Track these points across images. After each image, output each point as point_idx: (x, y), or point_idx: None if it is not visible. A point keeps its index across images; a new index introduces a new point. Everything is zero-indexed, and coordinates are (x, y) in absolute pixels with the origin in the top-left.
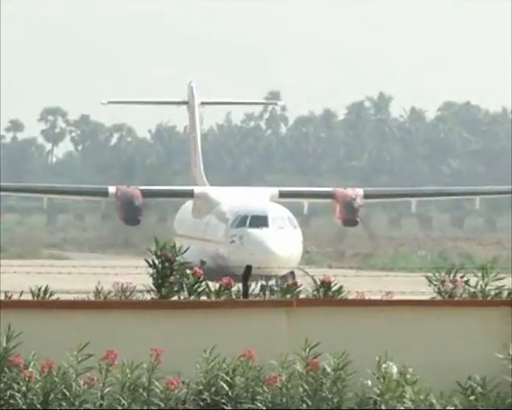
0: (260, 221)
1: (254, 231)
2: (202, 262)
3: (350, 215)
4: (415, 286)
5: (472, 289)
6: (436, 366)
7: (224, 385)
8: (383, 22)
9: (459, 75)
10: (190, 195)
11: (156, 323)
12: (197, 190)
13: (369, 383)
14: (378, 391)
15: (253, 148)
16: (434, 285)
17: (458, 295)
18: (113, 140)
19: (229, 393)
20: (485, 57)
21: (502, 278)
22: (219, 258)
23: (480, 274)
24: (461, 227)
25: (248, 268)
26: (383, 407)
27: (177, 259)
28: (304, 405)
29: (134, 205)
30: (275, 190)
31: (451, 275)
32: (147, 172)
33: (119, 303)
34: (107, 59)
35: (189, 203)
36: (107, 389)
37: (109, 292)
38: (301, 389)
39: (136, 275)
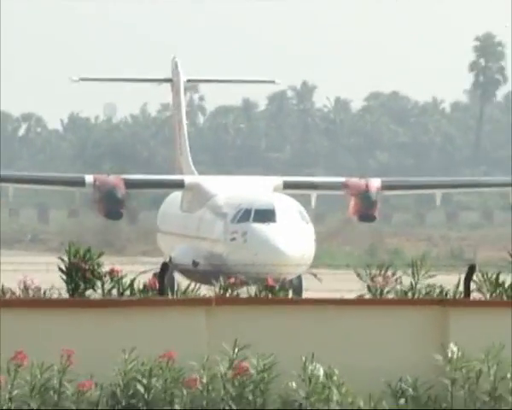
0: (266, 215)
1: (259, 227)
2: (195, 263)
3: (367, 209)
4: (341, 284)
5: (401, 288)
6: (365, 368)
7: (141, 388)
8: (308, 8)
9: (386, 63)
10: (180, 185)
11: (68, 322)
12: (188, 179)
13: (294, 385)
14: (303, 394)
15: (170, 139)
16: (364, 282)
17: (389, 292)
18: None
19: (146, 396)
20: (413, 44)
21: (433, 276)
22: (217, 258)
23: (410, 271)
24: (389, 222)
25: (165, 265)
26: None
27: (94, 265)
28: (225, 408)
29: (116, 197)
30: (278, 180)
31: (382, 271)
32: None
33: (28, 301)
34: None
35: (176, 195)
36: (16, 392)
37: (14, 292)
38: (223, 392)
39: (48, 273)
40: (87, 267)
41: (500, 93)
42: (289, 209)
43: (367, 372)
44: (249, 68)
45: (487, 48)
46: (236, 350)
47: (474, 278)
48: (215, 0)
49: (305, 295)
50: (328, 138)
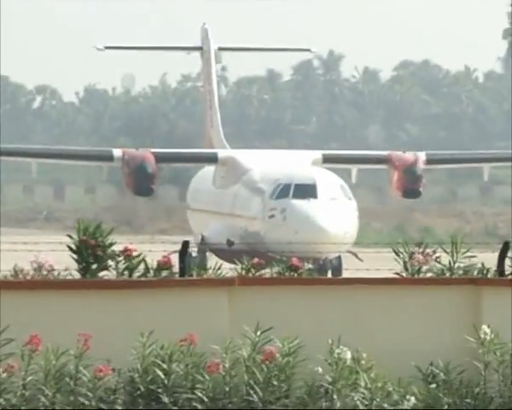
0: (307, 191)
1: (300, 203)
2: (230, 242)
3: (411, 184)
4: (381, 263)
5: (439, 266)
6: (394, 351)
7: (160, 373)
8: None
9: (416, 31)
10: (213, 159)
11: (84, 305)
12: (222, 153)
13: (320, 369)
14: (330, 379)
15: (191, 111)
16: (402, 260)
17: (428, 271)
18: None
19: (166, 381)
20: (444, 10)
21: (473, 256)
22: (254, 236)
23: (448, 250)
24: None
25: (186, 243)
26: (335, 396)
27: (105, 242)
28: (249, 394)
29: (146, 172)
30: (317, 154)
31: (421, 249)
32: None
33: (42, 283)
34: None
35: (208, 171)
36: (30, 378)
37: (27, 272)
38: (246, 377)
39: (61, 252)
40: (97, 244)
41: None
42: (331, 184)
43: (396, 356)
44: (275, 38)
45: None
46: (259, 333)
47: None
48: None
49: (345, 274)
50: (357, 110)
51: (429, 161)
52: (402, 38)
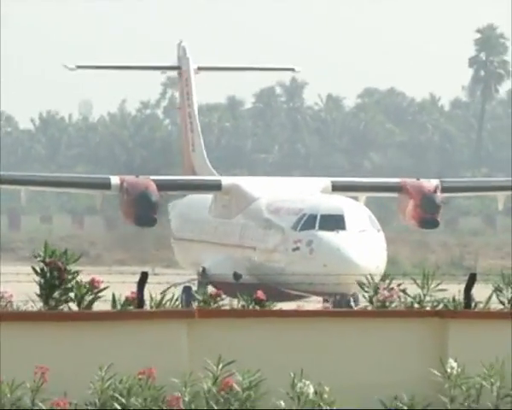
0: (335, 222)
1: (328, 235)
2: (237, 275)
3: (431, 214)
4: None
5: (409, 299)
6: (358, 385)
7: (119, 407)
8: (300, 1)
9: (381, 58)
10: (217, 187)
11: (41, 337)
12: (226, 181)
13: (283, 403)
14: None
15: (150, 139)
16: (366, 292)
17: (393, 305)
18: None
19: None
20: (410, 38)
21: (444, 290)
22: (271, 270)
23: (419, 282)
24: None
25: (144, 274)
26: None
27: (68, 268)
28: None
29: (150, 201)
30: (326, 182)
31: (386, 282)
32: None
33: None
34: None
35: (197, 198)
36: None
37: None
38: None
39: (17, 284)
40: (64, 268)
41: (502, 89)
42: (359, 215)
43: (360, 390)
44: (239, 61)
45: (488, 41)
46: (221, 366)
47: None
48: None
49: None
50: (320, 138)
51: (445, 190)
52: (367, 65)
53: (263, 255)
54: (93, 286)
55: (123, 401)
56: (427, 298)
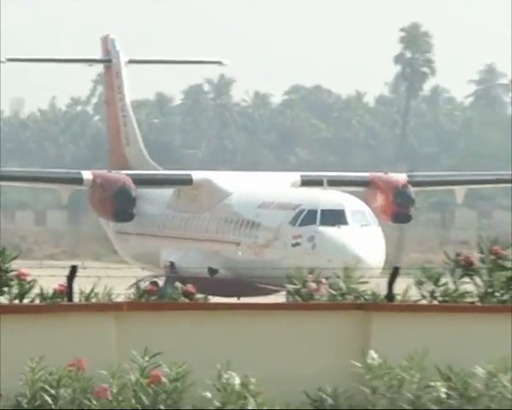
0: (336, 217)
1: (331, 231)
2: (212, 270)
3: (404, 209)
4: None
5: (333, 292)
6: (283, 376)
7: (48, 398)
8: None
9: (307, 55)
10: (188, 182)
11: None
12: (196, 175)
13: (209, 394)
14: (218, 404)
15: (80, 135)
16: (295, 286)
17: (321, 298)
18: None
19: (54, 407)
20: (336, 35)
21: (366, 282)
22: (264, 264)
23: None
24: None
25: (74, 268)
26: None
27: (6, 266)
28: None
29: (130, 196)
30: (296, 176)
31: (314, 275)
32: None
33: None
34: None
35: (148, 193)
36: None
37: None
38: (134, 402)
39: None
40: (1, 268)
41: (427, 86)
42: (360, 210)
43: (285, 381)
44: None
45: (413, 39)
46: (147, 358)
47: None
48: None
49: None
50: (247, 134)
51: (411, 184)
52: (293, 62)
53: (251, 250)
54: (20, 279)
55: (52, 392)
56: (352, 290)
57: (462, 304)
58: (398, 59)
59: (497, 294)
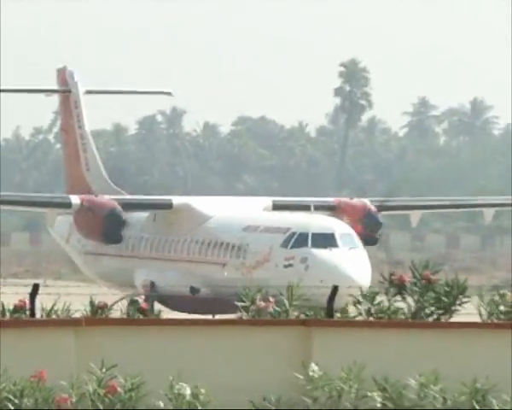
0: (326, 240)
1: (322, 253)
2: (194, 290)
3: (371, 233)
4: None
5: (278, 309)
6: (230, 387)
7: (12, 407)
8: (174, 32)
9: (254, 88)
10: (168, 206)
11: None
12: (176, 200)
13: (162, 404)
14: None
15: (42, 162)
16: (243, 302)
17: (267, 315)
18: None
19: None
20: (280, 69)
21: (307, 299)
22: (253, 284)
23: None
24: None
25: (36, 286)
26: None
27: None
28: None
29: (120, 219)
30: (268, 201)
31: (262, 294)
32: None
33: None
34: None
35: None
36: None
37: None
38: None
39: None
40: None
41: (364, 117)
42: (347, 233)
43: (232, 391)
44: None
45: (352, 74)
46: (104, 370)
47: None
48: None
49: None
50: (197, 162)
51: (379, 208)
52: (240, 94)
53: (238, 271)
54: None
55: (16, 401)
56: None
57: (395, 320)
58: (338, 92)
59: (427, 311)
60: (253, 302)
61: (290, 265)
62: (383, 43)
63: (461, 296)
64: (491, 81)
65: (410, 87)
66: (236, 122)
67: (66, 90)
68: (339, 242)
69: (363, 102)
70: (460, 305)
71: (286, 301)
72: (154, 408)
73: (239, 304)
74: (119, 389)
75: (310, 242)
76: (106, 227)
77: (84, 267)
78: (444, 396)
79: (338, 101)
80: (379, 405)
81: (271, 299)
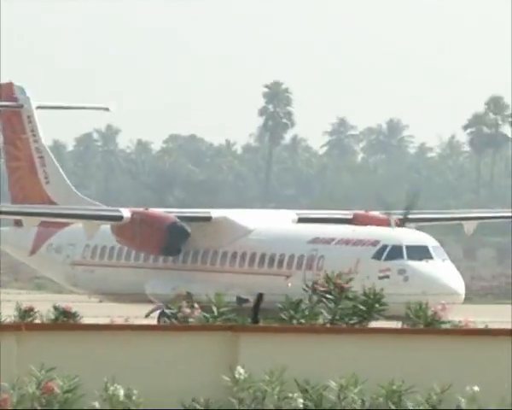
0: (421, 252)
1: (420, 265)
2: (241, 300)
3: None
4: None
5: (207, 315)
6: (161, 389)
7: None
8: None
9: (184, 107)
10: (207, 219)
11: None
12: (215, 213)
13: (97, 404)
14: None
15: None
16: (172, 310)
17: (195, 321)
18: None
19: None
20: (208, 91)
21: (233, 307)
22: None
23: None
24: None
25: None
26: None
27: None
28: None
29: (183, 231)
30: (293, 215)
31: (188, 301)
32: None
33: None
34: None
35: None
36: None
37: None
38: None
39: None
40: None
41: (287, 136)
42: (436, 245)
43: (163, 393)
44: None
45: (275, 94)
46: (43, 372)
47: None
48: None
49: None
50: (131, 177)
51: (402, 221)
52: (171, 113)
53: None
54: None
55: None
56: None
57: (316, 326)
58: (262, 112)
59: (345, 318)
60: (179, 310)
61: (386, 276)
62: (305, 66)
63: (377, 305)
64: (406, 102)
65: (330, 108)
66: (167, 140)
67: (18, 106)
68: (432, 254)
69: (285, 121)
70: (377, 313)
71: (214, 308)
72: (89, 409)
73: (167, 311)
74: (57, 390)
75: (405, 254)
76: (167, 239)
77: (70, 279)
78: (362, 398)
79: (262, 120)
80: (300, 406)
81: (196, 306)
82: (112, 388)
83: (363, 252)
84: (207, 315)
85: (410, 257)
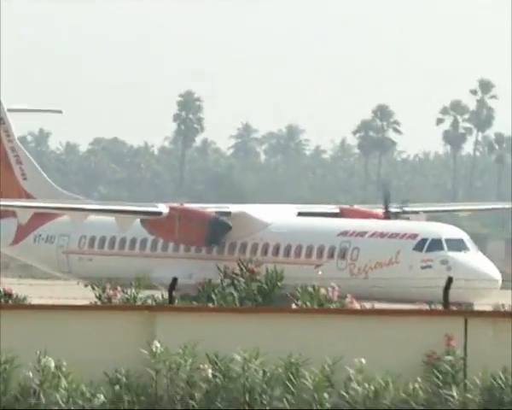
0: (459, 244)
1: (460, 255)
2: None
3: None
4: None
5: (127, 296)
6: (88, 361)
7: None
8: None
9: (108, 113)
10: (227, 214)
11: None
12: (233, 208)
13: (31, 374)
14: (38, 382)
15: None
16: (97, 292)
17: (117, 301)
18: None
19: None
20: (128, 98)
21: (154, 288)
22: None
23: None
24: None
25: None
26: (41, 395)
27: None
28: None
29: (225, 225)
30: (294, 209)
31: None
32: None
33: None
34: None
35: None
36: None
37: None
38: None
39: None
40: None
41: (198, 139)
42: (469, 238)
43: (90, 364)
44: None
45: (187, 103)
46: None
47: None
48: None
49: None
50: (60, 175)
51: (398, 214)
52: (96, 118)
53: (343, 271)
54: None
55: None
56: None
57: (226, 307)
58: (176, 117)
59: (252, 297)
60: (103, 291)
61: (428, 266)
62: (214, 76)
63: (278, 283)
64: (303, 110)
65: (235, 114)
66: (93, 142)
67: None
68: (468, 245)
69: (196, 126)
70: (279, 289)
71: (133, 290)
72: (24, 378)
73: (94, 292)
74: None
75: (445, 246)
76: (211, 232)
77: (64, 266)
78: (264, 369)
79: (176, 125)
80: (210, 376)
81: (119, 288)
82: (44, 360)
83: (404, 244)
84: (128, 296)
85: (450, 248)
